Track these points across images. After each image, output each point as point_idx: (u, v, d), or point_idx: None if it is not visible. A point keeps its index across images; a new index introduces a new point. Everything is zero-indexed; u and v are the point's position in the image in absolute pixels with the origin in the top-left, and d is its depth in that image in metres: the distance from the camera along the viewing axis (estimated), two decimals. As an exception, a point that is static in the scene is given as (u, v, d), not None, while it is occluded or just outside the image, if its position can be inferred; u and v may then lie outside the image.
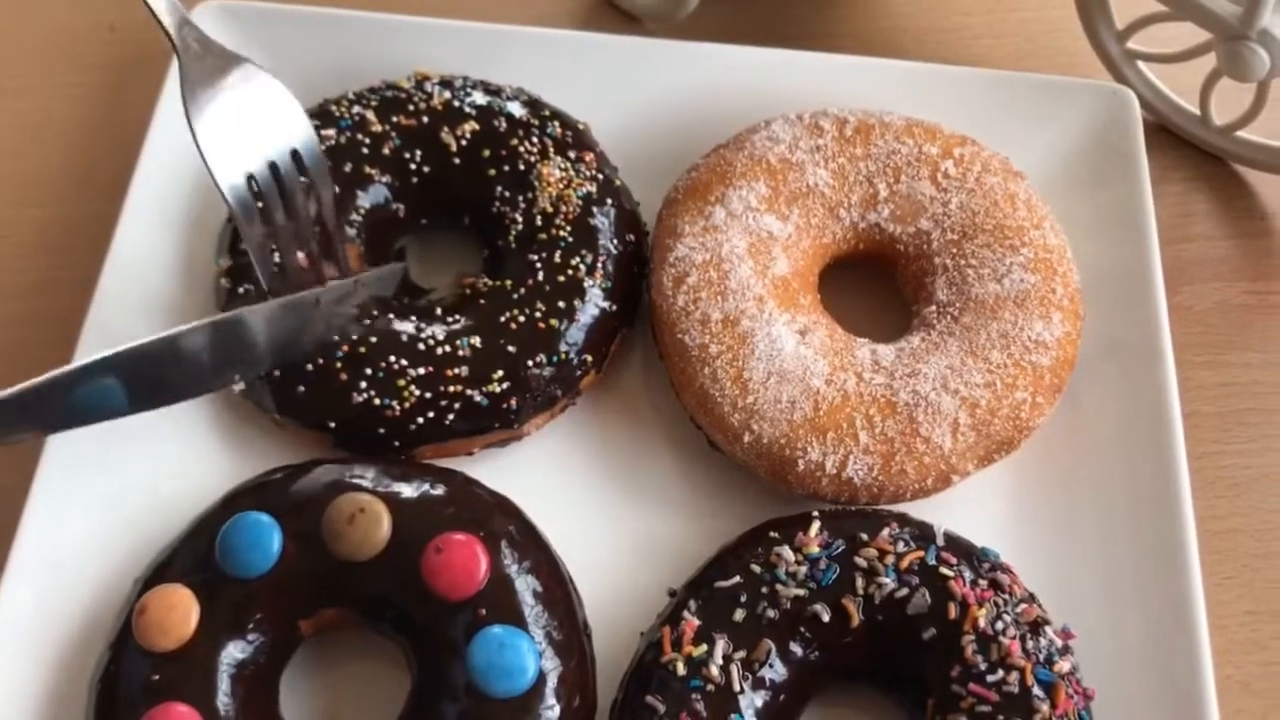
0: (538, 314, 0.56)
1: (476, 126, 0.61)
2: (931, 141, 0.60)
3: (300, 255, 0.55)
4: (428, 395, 0.54)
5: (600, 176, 0.60)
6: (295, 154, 0.54)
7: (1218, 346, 0.65)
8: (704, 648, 0.49)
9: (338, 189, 0.59)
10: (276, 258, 0.54)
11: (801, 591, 0.50)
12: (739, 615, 0.49)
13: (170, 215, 0.62)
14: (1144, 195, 0.63)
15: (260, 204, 0.53)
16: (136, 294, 0.60)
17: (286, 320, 0.54)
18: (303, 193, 0.54)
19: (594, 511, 0.57)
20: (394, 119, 0.61)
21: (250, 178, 0.52)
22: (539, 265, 0.58)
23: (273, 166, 0.53)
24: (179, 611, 0.48)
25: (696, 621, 0.49)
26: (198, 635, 0.48)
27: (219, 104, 0.51)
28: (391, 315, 0.57)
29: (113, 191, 0.62)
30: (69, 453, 0.54)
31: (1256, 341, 0.65)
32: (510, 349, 0.56)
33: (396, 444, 0.55)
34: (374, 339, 0.55)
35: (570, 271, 0.57)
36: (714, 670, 0.48)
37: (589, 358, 0.57)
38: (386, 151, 0.61)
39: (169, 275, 0.61)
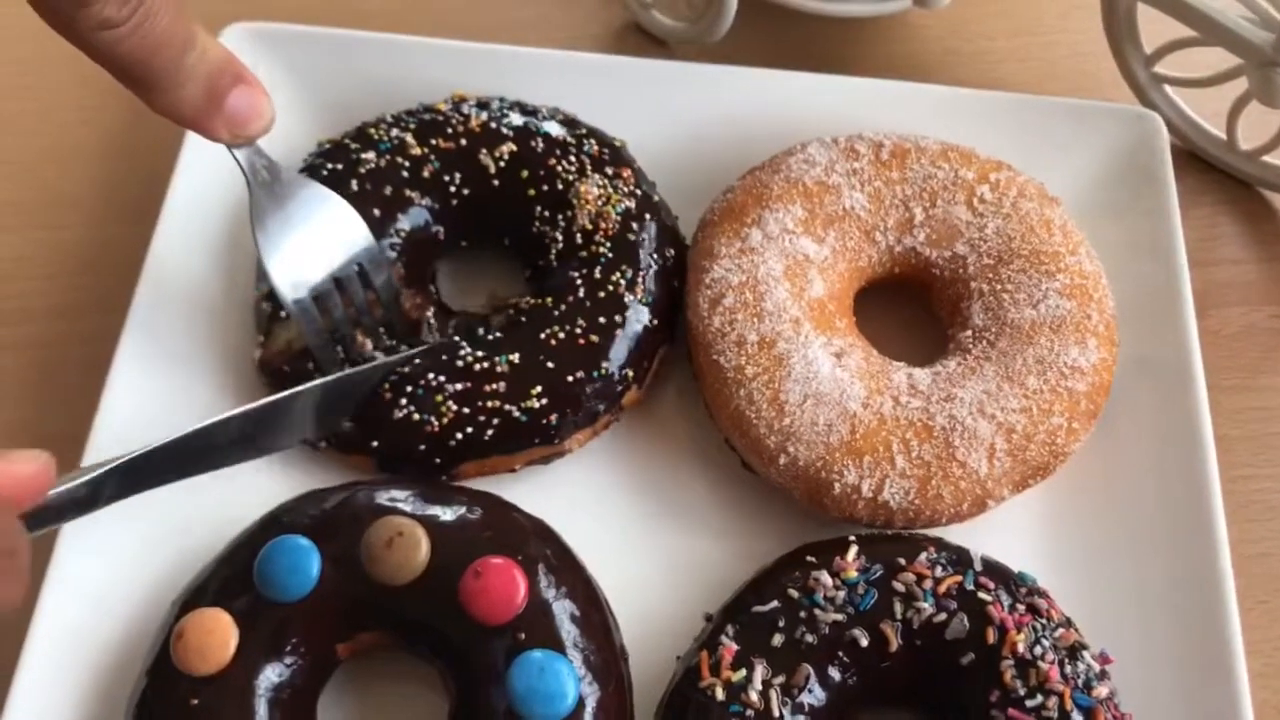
0: (578, 330, 0.56)
1: (514, 148, 0.61)
2: (967, 166, 0.60)
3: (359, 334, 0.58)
4: (465, 410, 0.54)
5: (638, 192, 0.60)
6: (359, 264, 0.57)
7: (1246, 370, 0.65)
8: (743, 673, 0.48)
9: (378, 212, 0.59)
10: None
11: (840, 616, 0.50)
12: (777, 640, 0.49)
13: (205, 234, 0.62)
14: (1173, 219, 0.63)
15: (325, 309, 0.56)
16: (172, 314, 0.59)
17: (339, 393, 0.55)
18: (364, 294, 0.57)
19: (629, 534, 0.57)
20: (433, 141, 0.61)
21: (315, 294, 0.55)
22: (579, 282, 0.58)
23: (337, 280, 0.56)
24: (217, 635, 0.48)
25: (734, 646, 0.49)
26: (236, 659, 0.48)
27: (286, 227, 0.54)
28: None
29: (138, 213, 0.62)
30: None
31: (1286, 366, 0.65)
32: (549, 365, 0.55)
33: (438, 460, 0.55)
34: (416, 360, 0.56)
35: (611, 287, 0.57)
36: (753, 695, 0.48)
37: (630, 373, 0.57)
38: (426, 175, 0.61)
39: (205, 293, 0.61)
